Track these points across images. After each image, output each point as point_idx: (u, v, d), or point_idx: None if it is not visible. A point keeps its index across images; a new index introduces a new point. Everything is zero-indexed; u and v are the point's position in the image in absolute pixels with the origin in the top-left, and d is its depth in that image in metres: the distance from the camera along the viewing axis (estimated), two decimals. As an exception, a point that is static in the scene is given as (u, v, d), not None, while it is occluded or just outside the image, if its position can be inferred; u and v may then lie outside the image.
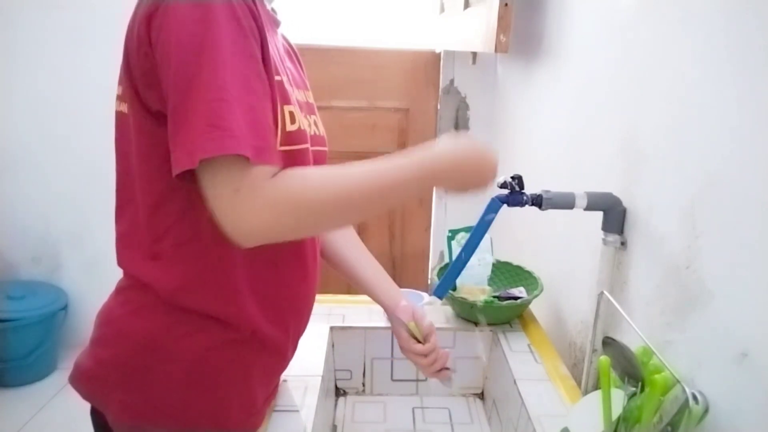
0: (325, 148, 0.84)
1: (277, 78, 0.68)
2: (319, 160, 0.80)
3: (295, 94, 0.75)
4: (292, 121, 0.71)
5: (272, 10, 0.78)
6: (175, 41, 0.60)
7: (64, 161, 2.07)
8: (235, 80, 0.60)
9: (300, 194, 0.63)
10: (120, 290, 0.77)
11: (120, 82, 0.71)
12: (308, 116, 0.78)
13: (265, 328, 0.77)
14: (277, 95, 0.67)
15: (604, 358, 0.77)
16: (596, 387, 0.89)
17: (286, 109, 0.70)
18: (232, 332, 0.74)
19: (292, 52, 0.87)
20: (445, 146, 0.73)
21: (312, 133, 0.78)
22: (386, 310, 0.97)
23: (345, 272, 0.98)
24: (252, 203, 0.60)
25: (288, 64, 0.78)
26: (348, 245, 0.98)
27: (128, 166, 0.73)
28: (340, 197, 0.65)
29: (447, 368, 0.97)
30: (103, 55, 1.91)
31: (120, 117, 0.73)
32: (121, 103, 0.72)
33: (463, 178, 0.74)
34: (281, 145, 0.68)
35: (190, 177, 0.61)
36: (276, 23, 0.78)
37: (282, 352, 0.83)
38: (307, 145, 0.74)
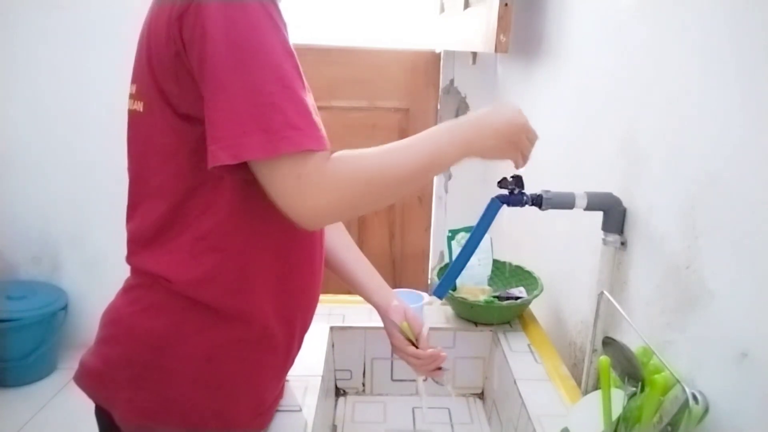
0: None
1: None
2: None
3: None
4: None
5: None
6: (212, 39, 0.60)
7: (64, 161, 2.07)
8: (282, 75, 0.61)
9: (361, 171, 0.66)
10: (128, 289, 0.77)
11: (134, 81, 0.71)
12: None
13: (274, 325, 0.77)
14: None
15: (604, 358, 0.77)
16: (596, 387, 0.89)
17: None
18: (242, 330, 0.74)
19: None
20: (473, 113, 0.77)
21: None
22: (378, 310, 0.97)
23: (338, 272, 0.98)
24: (316, 186, 0.62)
25: None
26: (342, 246, 0.98)
27: (143, 165, 0.73)
28: (396, 170, 0.69)
29: (440, 368, 0.97)
30: (103, 55, 1.92)
31: (134, 116, 0.73)
32: (135, 101, 0.72)
33: (496, 135, 0.75)
34: None
35: (224, 167, 0.62)
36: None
37: (288, 349, 0.83)
38: None
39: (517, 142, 0.77)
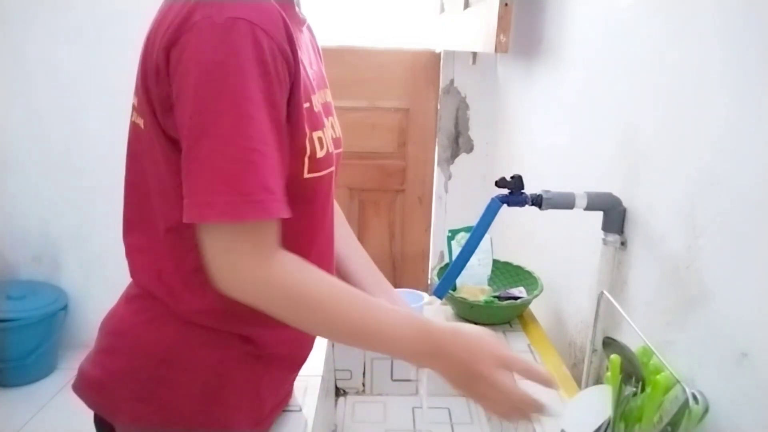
0: (341, 150, 0.81)
1: (305, 105, 0.65)
2: (336, 162, 0.78)
3: (318, 97, 0.72)
4: (321, 146, 0.69)
5: (297, 6, 0.74)
6: (194, 83, 0.58)
7: (64, 161, 2.07)
8: (253, 134, 0.58)
9: (304, 294, 0.63)
10: (131, 298, 0.75)
11: (136, 93, 0.69)
12: (328, 119, 0.75)
13: (283, 345, 0.77)
14: (305, 124, 0.65)
15: (615, 357, 0.77)
16: (596, 387, 0.89)
17: (315, 135, 0.68)
18: (249, 347, 0.74)
19: (315, 46, 0.84)
20: (461, 325, 0.69)
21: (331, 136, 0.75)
22: None
23: (337, 270, 0.93)
24: (262, 271, 0.61)
25: (314, 64, 0.75)
26: (342, 242, 0.93)
27: (142, 181, 0.71)
28: (329, 317, 0.64)
29: None
30: (103, 55, 1.92)
31: (135, 129, 0.70)
32: (138, 116, 0.69)
33: (470, 361, 0.67)
34: (309, 172, 0.67)
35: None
36: (302, 23, 0.75)
37: (295, 364, 0.83)
38: (332, 168, 0.73)
39: (491, 389, 0.69)
